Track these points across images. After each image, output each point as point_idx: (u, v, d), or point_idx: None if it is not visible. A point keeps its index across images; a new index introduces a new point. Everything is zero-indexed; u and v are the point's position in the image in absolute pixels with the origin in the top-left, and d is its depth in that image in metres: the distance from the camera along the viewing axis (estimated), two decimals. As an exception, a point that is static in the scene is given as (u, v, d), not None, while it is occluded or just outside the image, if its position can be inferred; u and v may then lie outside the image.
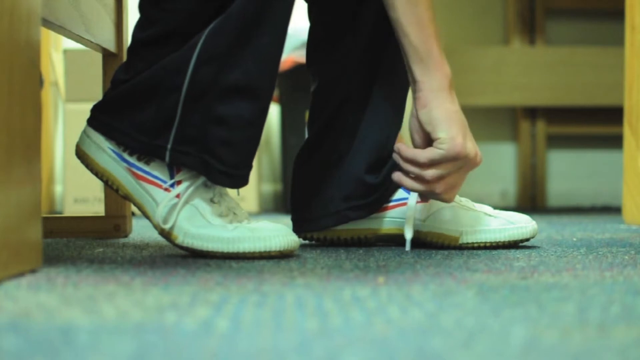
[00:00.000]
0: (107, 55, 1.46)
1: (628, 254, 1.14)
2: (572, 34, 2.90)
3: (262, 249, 1.06)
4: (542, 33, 2.87)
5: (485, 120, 2.87)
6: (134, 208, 1.55)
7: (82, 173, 2.32)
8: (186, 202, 1.09)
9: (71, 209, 2.27)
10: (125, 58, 1.47)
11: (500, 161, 2.89)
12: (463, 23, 2.86)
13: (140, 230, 1.60)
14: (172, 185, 1.09)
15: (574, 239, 1.40)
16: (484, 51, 2.72)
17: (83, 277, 0.89)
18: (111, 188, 1.15)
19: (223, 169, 1.08)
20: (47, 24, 1.15)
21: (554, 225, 1.81)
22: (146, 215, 1.12)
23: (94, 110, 1.15)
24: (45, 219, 1.24)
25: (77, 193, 2.27)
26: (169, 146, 1.08)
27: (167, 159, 1.08)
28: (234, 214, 1.10)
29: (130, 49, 1.13)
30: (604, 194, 2.89)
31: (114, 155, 1.13)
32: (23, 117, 0.89)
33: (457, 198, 1.28)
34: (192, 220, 1.08)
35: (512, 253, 1.15)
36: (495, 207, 1.34)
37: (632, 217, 1.83)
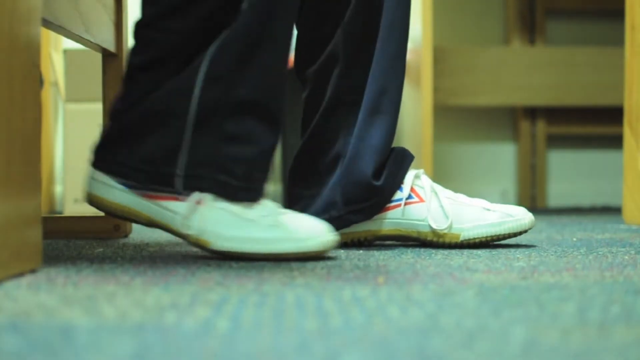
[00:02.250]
0: (106, 55, 1.46)
1: (628, 254, 1.14)
2: (572, 34, 2.90)
3: (303, 250, 1.04)
4: (542, 33, 2.87)
5: (485, 120, 2.87)
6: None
7: (82, 173, 2.32)
8: (210, 206, 1.05)
9: (71, 209, 2.27)
10: (124, 58, 1.48)
11: (500, 161, 2.89)
12: (463, 23, 2.86)
13: (140, 230, 1.60)
14: (187, 194, 1.06)
15: (574, 239, 1.40)
16: (484, 51, 2.72)
17: (83, 277, 0.89)
18: (133, 221, 1.11)
19: (241, 184, 1.06)
20: (47, 24, 1.15)
21: (554, 225, 1.81)
22: (172, 232, 1.08)
23: (96, 151, 1.12)
24: (45, 219, 1.24)
25: (77, 193, 2.27)
26: (180, 172, 1.06)
27: (180, 186, 1.06)
28: (260, 205, 1.07)
29: (126, 77, 1.11)
30: (604, 194, 2.89)
31: (124, 188, 1.10)
32: (23, 117, 0.89)
33: (453, 195, 1.29)
34: (222, 222, 1.05)
35: (512, 253, 1.15)
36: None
37: (632, 217, 1.83)
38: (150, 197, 1.08)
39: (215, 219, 1.05)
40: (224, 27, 1.05)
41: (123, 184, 1.10)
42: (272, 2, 1.04)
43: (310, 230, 1.05)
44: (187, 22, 1.07)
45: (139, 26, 1.10)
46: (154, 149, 1.07)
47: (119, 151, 1.10)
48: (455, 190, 1.40)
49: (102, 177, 1.11)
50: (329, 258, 1.08)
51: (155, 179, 1.07)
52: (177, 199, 1.07)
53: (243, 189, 1.06)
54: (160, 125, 1.07)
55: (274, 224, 1.05)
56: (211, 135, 1.06)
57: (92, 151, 1.13)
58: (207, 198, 1.05)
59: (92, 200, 1.13)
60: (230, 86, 1.05)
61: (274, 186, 2.88)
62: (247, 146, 1.07)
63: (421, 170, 1.29)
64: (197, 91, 1.05)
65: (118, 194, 1.10)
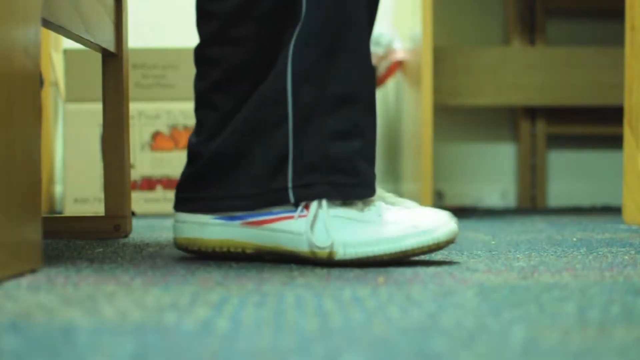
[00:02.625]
0: (106, 56, 1.46)
1: (628, 254, 1.14)
2: (572, 34, 2.90)
3: (431, 242, 0.99)
4: (542, 33, 2.87)
5: (485, 120, 2.87)
6: (134, 208, 1.55)
7: (82, 173, 2.33)
8: (325, 218, 0.99)
9: (71, 209, 2.27)
10: (125, 58, 1.48)
11: (500, 161, 2.89)
12: (463, 23, 2.86)
13: (140, 230, 1.60)
14: (302, 211, 1.01)
15: (574, 239, 1.40)
16: (484, 51, 2.72)
17: (83, 277, 0.89)
18: (237, 255, 1.05)
19: (356, 181, 1.01)
20: (47, 24, 1.15)
21: (554, 225, 1.81)
22: (287, 253, 1.02)
23: (181, 193, 1.07)
24: (45, 219, 1.24)
25: (77, 193, 2.27)
26: (290, 185, 1.01)
27: (291, 199, 1.00)
28: (372, 201, 1.02)
29: (196, 108, 1.07)
30: (604, 194, 2.89)
31: (221, 221, 1.04)
32: (23, 117, 0.89)
33: (382, 192, 1.27)
34: (344, 229, 0.99)
35: (512, 253, 1.15)
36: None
37: (632, 217, 1.83)
38: (259, 223, 1.03)
39: (336, 227, 0.99)
40: (291, 23, 1.01)
41: (220, 217, 1.04)
42: None
43: (432, 221, 1.00)
44: (249, 26, 1.02)
45: (201, 48, 1.06)
46: (257, 168, 1.02)
47: (213, 188, 1.05)
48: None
49: (195, 217, 1.06)
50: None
51: (269, 198, 1.02)
52: (292, 218, 1.01)
53: (359, 185, 1.01)
54: (260, 140, 1.02)
55: (395, 220, 1.00)
56: (315, 136, 1.01)
57: (176, 195, 1.08)
58: (322, 209, 1.00)
59: (186, 246, 1.07)
60: (321, 81, 1.00)
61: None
62: (353, 140, 1.01)
63: None
64: (289, 94, 1.00)
65: (215, 230, 1.04)
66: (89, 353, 0.52)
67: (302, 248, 1.00)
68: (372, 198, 1.03)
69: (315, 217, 1.00)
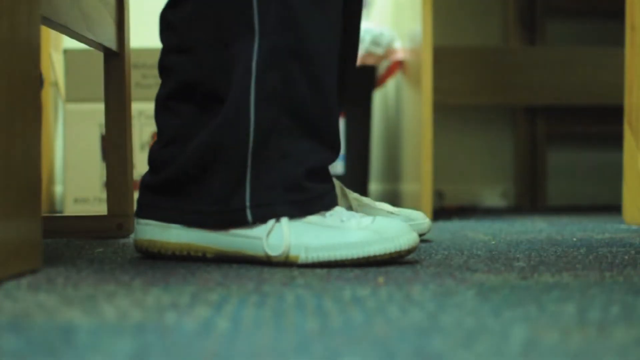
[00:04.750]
0: (108, 54, 1.46)
1: (628, 254, 1.14)
2: (572, 34, 2.90)
3: (393, 250, 1.00)
4: (542, 33, 2.87)
5: (485, 120, 2.87)
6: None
7: (82, 173, 2.33)
8: (287, 222, 1.01)
9: (71, 209, 2.27)
10: (127, 57, 1.48)
11: (500, 161, 2.89)
12: (463, 23, 2.86)
13: (140, 230, 1.60)
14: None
15: (574, 239, 1.40)
16: (484, 51, 2.72)
17: (83, 277, 0.89)
18: (197, 257, 1.06)
19: (312, 195, 1.03)
20: (49, 22, 1.15)
21: (554, 225, 1.81)
22: (249, 258, 1.03)
23: (143, 199, 1.08)
24: (45, 218, 1.24)
25: (77, 193, 2.27)
26: (247, 204, 1.02)
27: (249, 218, 1.02)
28: (336, 210, 1.04)
29: (155, 115, 1.09)
30: (604, 194, 2.89)
31: (184, 225, 1.06)
32: (23, 117, 0.89)
33: (357, 196, 1.29)
34: (306, 233, 1.00)
35: (512, 253, 1.15)
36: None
37: (632, 217, 1.83)
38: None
39: (297, 232, 1.01)
40: (245, 36, 1.01)
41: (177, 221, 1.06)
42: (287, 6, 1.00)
43: (395, 229, 1.01)
44: (201, 35, 1.04)
45: (162, 57, 1.08)
46: (218, 185, 1.03)
47: (178, 197, 1.06)
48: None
49: (152, 222, 1.07)
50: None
51: (227, 218, 1.03)
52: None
53: (316, 199, 1.03)
54: (221, 158, 1.03)
55: (359, 226, 1.01)
56: (272, 157, 1.02)
57: (139, 201, 1.09)
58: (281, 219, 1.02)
59: (146, 247, 1.08)
60: (282, 103, 1.02)
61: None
62: (309, 159, 1.03)
63: None
64: (252, 115, 1.01)
65: (176, 233, 1.06)
66: (89, 353, 0.52)
67: (260, 252, 1.02)
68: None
69: (274, 223, 1.01)
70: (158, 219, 1.07)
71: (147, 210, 1.08)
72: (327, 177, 1.07)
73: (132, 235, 1.49)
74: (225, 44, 1.03)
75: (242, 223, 1.02)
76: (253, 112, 1.01)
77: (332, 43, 1.05)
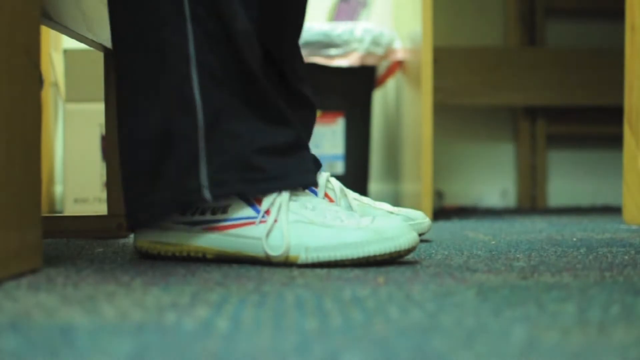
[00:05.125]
0: (108, 55, 1.46)
1: (628, 254, 1.14)
2: (572, 34, 2.90)
3: (393, 250, 0.99)
4: (542, 33, 2.87)
5: (485, 120, 2.87)
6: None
7: (82, 173, 2.33)
8: (285, 221, 1.01)
9: (71, 209, 2.27)
10: (125, 58, 1.48)
11: (500, 161, 2.89)
12: (463, 23, 2.86)
13: (140, 230, 1.60)
14: (263, 217, 1.02)
15: (574, 239, 1.40)
16: (484, 51, 2.72)
17: (83, 277, 0.89)
18: (197, 259, 1.06)
19: (273, 174, 1.03)
20: (50, 22, 1.15)
21: (554, 225, 1.81)
22: (249, 259, 1.04)
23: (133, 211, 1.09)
24: (45, 219, 1.24)
25: (77, 193, 2.27)
26: (204, 184, 1.02)
27: (208, 196, 1.02)
28: (336, 210, 1.04)
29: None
30: (604, 194, 2.89)
31: (183, 226, 1.06)
32: (23, 117, 0.89)
33: (357, 196, 1.29)
34: (306, 234, 1.00)
35: (512, 253, 1.15)
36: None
37: (632, 217, 1.83)
38: (222, 228, 1.04)
39: (297, 232, 1.01)
40: (177, 22, 1.02)
41: (184, 222, 1.06)
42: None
43: (395, 229, 1.00)
44: (131, 16, 1.04)
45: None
46: (176, 172, 1.03)
47: (142, 194, 1.06)
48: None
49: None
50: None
51: (185, 199, 1.03)
52: (253, 224, 1.02)
53: (273, 179, 1.03)
54: (174, 146, 1.03)
55: (358, 226, 1.01)
56: (222, 138, 1.03)
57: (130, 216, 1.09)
58: (282, 215, 1.01)
59: (143, 247, 1.08)
60: (224, 86, 1.03)
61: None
62: (259, 138, 1.04)
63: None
64: (198, 101, 1.02)
65: (176, 234, 1.06)
66: (89, 353, 0.52)
67: (260, 253, 1.02)
68: (333, 202, 1.07)
69: (273, 223, 1.01)
70: (136, 224, 1.08)
71: (137, 222, 1.09)
72: (291, 156, 1.06)
73: (132, 236, 1.49)
74: (155, 28, 1.03)
75: (201, 202, 1.03)
76: (198, 97, 1.02)
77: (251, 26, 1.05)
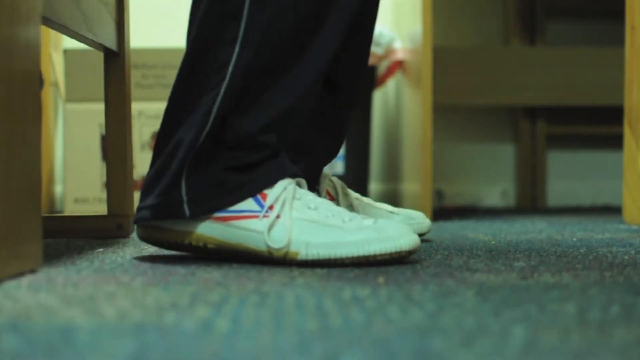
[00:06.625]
0: (108, 55, 1.46)
1: (628, 254, 1.14)
2: (572, 34, 2.90)
3: (393, 250, 1.00)
4: (542, 33, 2.87)
5: (485, 120, 2.87)
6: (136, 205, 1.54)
7: (82, 173, 2.33)
8: (289, 217, 1.02)
9: (71, 209, 2.27)
10: (127, 57, 1.48)
11: (500, 161, 2.89)
12: (463, 23, 2.86)
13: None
14: (267, 212, 1.03)
15: (574, 239, 1.40)
16: (484, 51, 2.72)
17: (83, 277, 0.89)
18: (197, 249, 1.06)
19: (235, 184, 1.05)
20: (49, 22, 1.15)
21: (554, 225, 1.81)
22: (249, 252, 1.03)
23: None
24: (45, 218, 1.24)
25: (77, 193, 2.27)
26: (184, 198, 1.04)
27: (187, 213, 1.04)
28: (338, 211, 1.05)
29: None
30: (604, 194, 2.89)
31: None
32: (23, 117, 0.89)
33: (358, 196, 1.30)
34: (307, 231, 1.01)
35: (512, 253, 1.15)
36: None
37: (632, 217, 1.83)
38: (226, 219, 1.05)
39: (298, 228, 1.01)
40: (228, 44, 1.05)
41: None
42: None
43: (397, 230, 1.01)
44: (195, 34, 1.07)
45: None
46: (168, 179, 1.05)
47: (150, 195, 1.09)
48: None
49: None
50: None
51: (168, 209, 1.05)
52: (257, 217, 1.03)
53: (236, 188, 1.04)
54: (177, 154, 1.05)
55: (360, 226, 1.01)
56: (203, 158, 1.05)
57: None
58: (285, 211, 1.02)
59: (149, 234, 1.09)
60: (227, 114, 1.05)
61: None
62: (230, 161, 1.06)
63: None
64: (211, 120, 1.04)
65: (180, 221, 1.06)
66: (89, 353, 0.52)
67: (262, 247, 1.02)
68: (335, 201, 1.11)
69: (276, 219, 1.02)
70: (135, 220, 1.09)
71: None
72: (255, 167, 1.07)
73: (132, 235, 1.49)
74: (209, 46, 1.05)
75: (180, 216, 1.05)
76: (212, 118, 1.04)
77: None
